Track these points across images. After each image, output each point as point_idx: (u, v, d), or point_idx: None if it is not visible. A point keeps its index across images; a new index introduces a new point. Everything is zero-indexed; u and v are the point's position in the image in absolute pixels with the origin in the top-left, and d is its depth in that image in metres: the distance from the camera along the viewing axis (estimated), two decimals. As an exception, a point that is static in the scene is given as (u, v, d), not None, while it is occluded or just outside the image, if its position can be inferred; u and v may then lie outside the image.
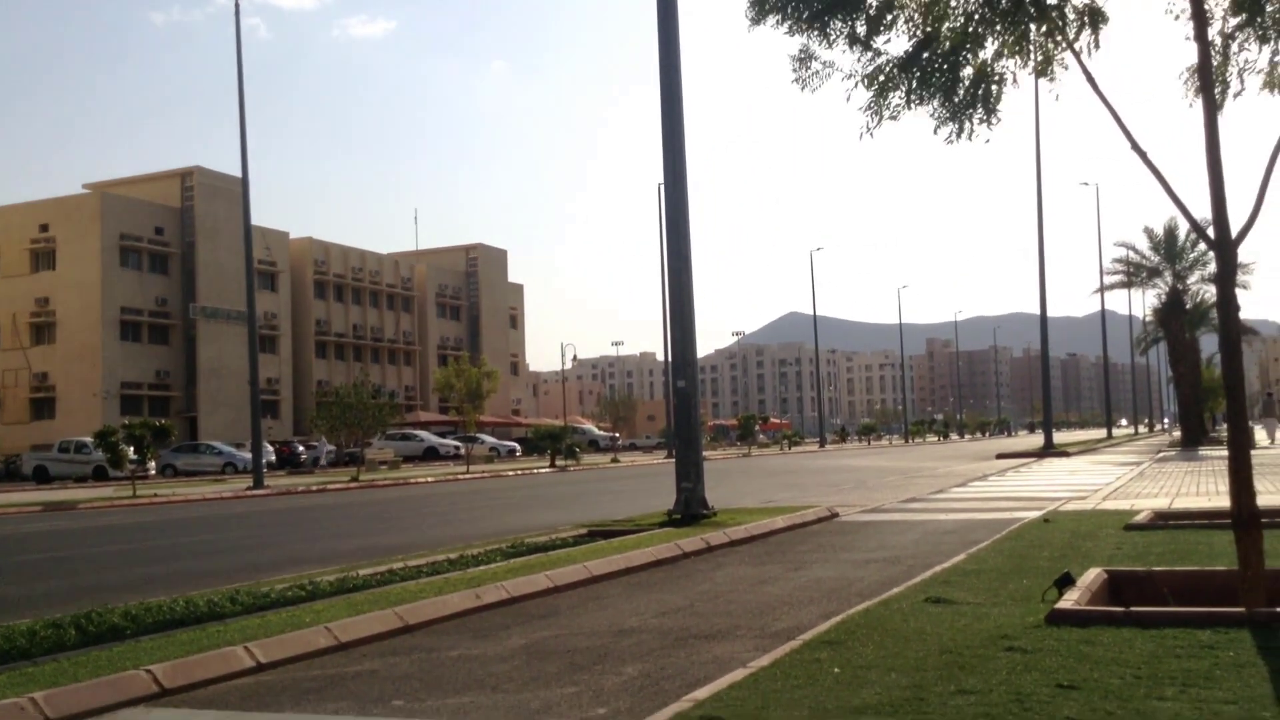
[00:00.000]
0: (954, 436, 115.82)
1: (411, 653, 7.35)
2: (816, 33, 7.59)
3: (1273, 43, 6.89)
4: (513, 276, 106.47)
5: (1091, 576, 7.12)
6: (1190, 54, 6.45)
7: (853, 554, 11.85)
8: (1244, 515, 5.98)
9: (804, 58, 7.83)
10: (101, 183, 73.71)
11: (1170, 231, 48.41)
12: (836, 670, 5.20)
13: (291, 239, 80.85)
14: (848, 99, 7.74)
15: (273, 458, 52.29)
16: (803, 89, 7.86)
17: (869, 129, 7.66)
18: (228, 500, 30.53)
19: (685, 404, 15.41)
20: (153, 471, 40.22)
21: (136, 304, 69.09)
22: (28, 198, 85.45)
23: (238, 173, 37.86)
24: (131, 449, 32.87)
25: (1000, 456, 43.68)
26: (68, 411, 65.88)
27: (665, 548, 12.16)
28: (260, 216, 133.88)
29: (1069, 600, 6.25)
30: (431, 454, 64.44)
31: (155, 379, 69.90)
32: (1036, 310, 48.17)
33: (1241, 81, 7.05)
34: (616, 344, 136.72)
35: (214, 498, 31.26)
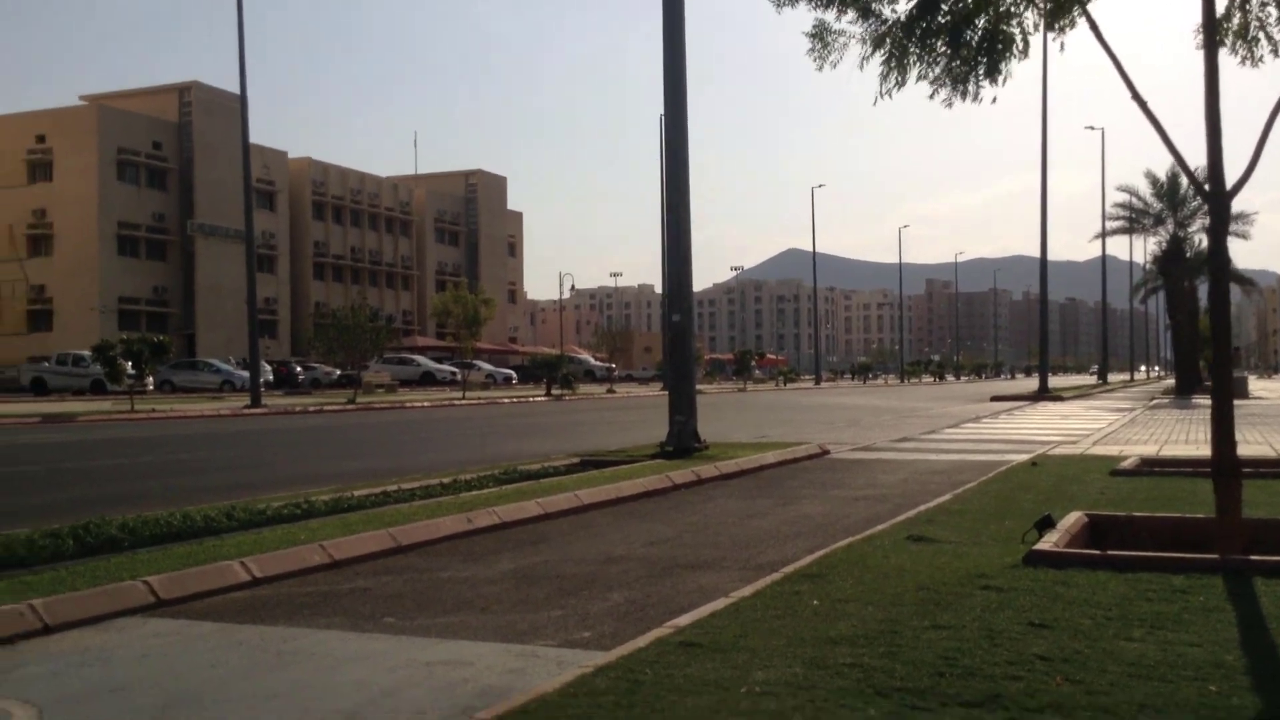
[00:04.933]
0: (949, 378, 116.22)
1: (404, 573, 7.50)
2: (835, 8, 7.53)
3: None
4: (512, 204, 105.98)
5: (1072, 520, 7.25)
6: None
7: (842, 491, 12.01)
8: (1224, 465, 6.09)
9: (819, 33, 7.75)
10: (98, 95, 72.92)
11: (1173, 178, 48.18)
12: (815, 603, 5.33)
13: (290, 159, 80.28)
14: (862, 68, 7.68)
15: (270, 377, 52.45)
16: (820, 67, 7.79)
17: (885, 93, 7.61)
18: (225, 418, 30.72)
19: (680, 338, 15.49)
20: (150, 387, 40.38)
21: (134, 219, 68.78)
22: (24, 108, 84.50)
23: (236, 89, 37.49)
24: (129, 364, 32.97)
25: (995, 399, 43.91)
26: (65, 325, 65.92)
27: (656, 479, 12.31)
28: (258, 135, 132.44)
29: (1048, 542, 6.39)
30: (428, 379, 64.68)
31: (153, 295, 69.85)
32: (1037, 254, 48.09)
33: (1272, 42, 7.05)
34: (615, 275, 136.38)
35: (211, 415, 31.44)
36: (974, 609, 5.09)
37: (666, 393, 16.15)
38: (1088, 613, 4.93)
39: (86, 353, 42.66)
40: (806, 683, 3.96)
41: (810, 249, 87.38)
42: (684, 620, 4.97)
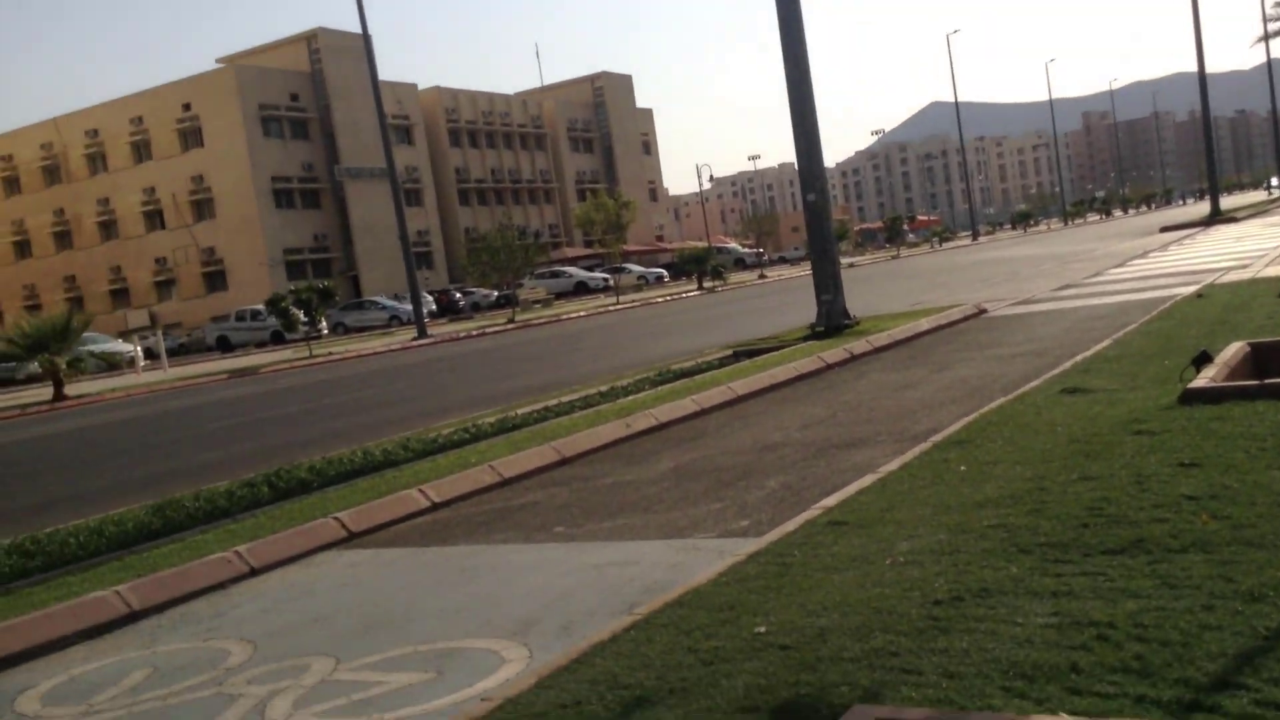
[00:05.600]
0: (1116, 213, 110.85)
1: (569, 483, 7.86)
2: None
3: None
4: (640, 101, 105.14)
5: (1232, 351, 7.03)
6: None
7: (998, 350, 11.83)
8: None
9: None
10: (233, 55, 75.31)
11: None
12: (963, 469, 5.39)
13: (420, 90, 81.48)
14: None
15: (433, 306, 54.12)
16: None
17: None
18: (395, 352, 32.05)
19: (817, 217, 15.33)
20: (325, 331, 42.35)
21: (285, 171, 71.33)
22: (168, 79, 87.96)
23: (358, 29, 38.18)
24: (301, 312, 34.62)
25: (1164, 230, 41.83)
26: (238, 282, 69.37)
27: (808, 362, 12.37)
28: (387, 72, 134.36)
29: (1204, 378, 6.23)
30: (581, 288, 65.59)
31: (314, 243, 72.66)
32: (1197, 68, 45.02)
33: None
34: (753, 158, 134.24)
35: (383, 351, 32.84)
36: (1124, 456, 5.06)
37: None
38: (1241, 446, 4.84)
39: (261, 307, 44.86)
40: (950, 548, 4.07)
41: (952, 99, 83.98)
42: (832, 501, 5.12)
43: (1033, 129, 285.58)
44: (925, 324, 14.73)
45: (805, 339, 14.63)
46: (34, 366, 29.40)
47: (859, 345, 13.21)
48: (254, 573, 6.24)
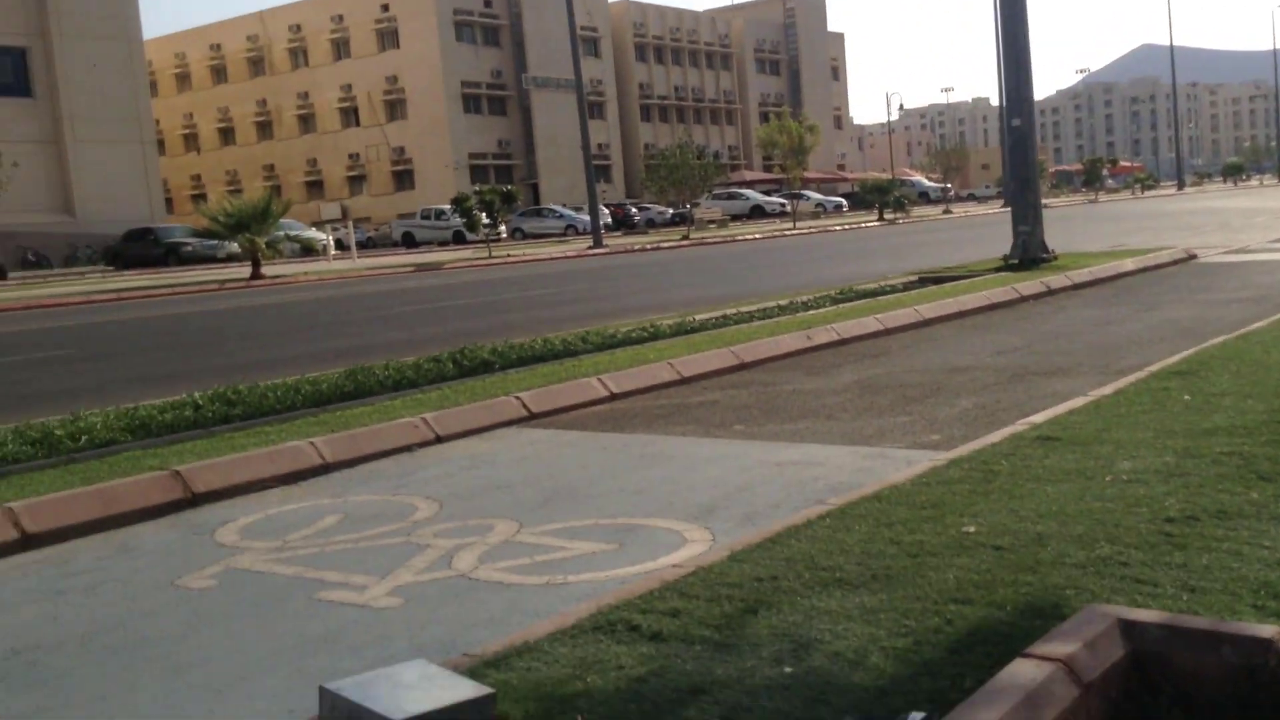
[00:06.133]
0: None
1: (748, 387, 7.74)
2: None
3: None
4: (832, 26, 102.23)
5: None
6: None
7: (1211, 295, 11.08)
8: None
9: None
10: (432, -40, 76.39)
11: None
12: (1186, 398, 5.02)
13: (610, 3, 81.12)
14: None
15: (608, 220, 54.44)
16: None
17: None
18: (571, 259, 32.41)
19: (1021, 144, 14.56)
20: (504, 235, 43.13)
21: (474, 77, 72.44)
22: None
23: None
24: (483, 214, 35.29)
25: (1397, 192, 38.48)
26: (424, 183, 71.21)
27: (1000, 291, 11.85)
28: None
29: None
30: (757, 212, 64.83)
31: (498, 149, 73.84)
32: None
33: None
34: (946, 90, 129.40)
35: (559, 257, 33.26)
36: (1374, 399, 4.62)
37: (1007, 210, 15.34)
38: None
39: (446, 206, 45.96)
40: (1178, 470, 3.77)
41: (1166, 42, 78.74)
42: (1039, 418, 4.84)
43: (1250, 79, 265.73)
44: (1129, 264, 13.93)
45: (997, 270, 14.03)
46: (234, 246, 30.94)
47: (1057, 280, 12.59)
48: (439, 440, 6.36)
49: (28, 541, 4.73)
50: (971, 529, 3.31)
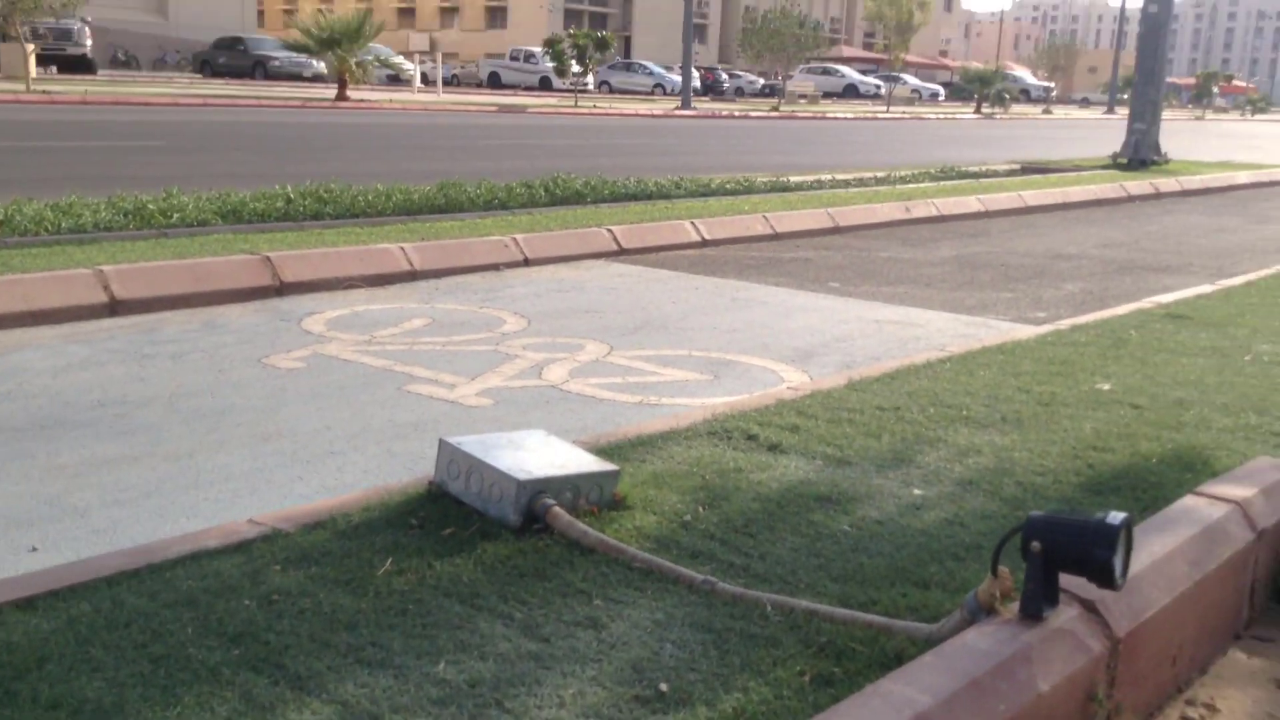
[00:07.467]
0: None
1: (842, 249, 7.52)
2: None
3: None
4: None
5: None
6: None
7: (1331, 215, 10.55)
8: None
9: None
10: None
11: None
12: (1319, 299, 4.75)
13: None
14: None
15: (697, 84, 53.17)
16: None
17: None
18: (658, 117, 31.76)
19: (1153, 31, 13.78)
20: (591, 86, 42.28)
21: (578, -82, 70.35)
22: None
23: None
24: (574, 60, 34.55)
25: None
26: (516, 23, 69.93)
27: (1108, 187, 11.39)
28: None
29: None
30: (851, 91, 62.91)
31: (593, -3, 72.09)
32: None
33: None
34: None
35: (645, 114, 32.60)
36: None
37: (1111, 116, 14.62)
38: None
39: (537, 49, 45.11)
40: (1321, 362, 3.56)
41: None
42: (1166, 298, 4.61)
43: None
44: (1244, 177, 13.32)
45: (1105, 167, 13.48)
46: (321, 67, 30.63)
47: (1167, 183, 12.06)
48: (526, 263, 6.26)
49: (115, 307, 4.73)
50: (1106, 386, 3.17)
